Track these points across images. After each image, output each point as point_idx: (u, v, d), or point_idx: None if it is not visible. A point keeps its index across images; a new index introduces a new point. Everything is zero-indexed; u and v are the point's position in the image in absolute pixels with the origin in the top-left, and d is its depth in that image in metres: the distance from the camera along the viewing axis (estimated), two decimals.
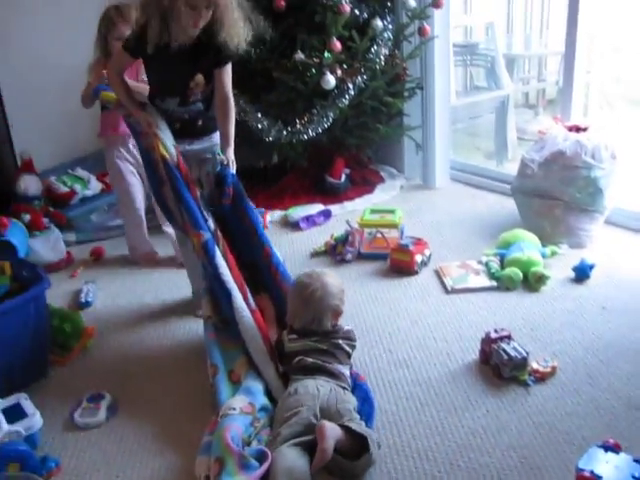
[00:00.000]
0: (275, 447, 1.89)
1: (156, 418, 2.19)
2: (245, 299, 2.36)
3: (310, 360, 2.16)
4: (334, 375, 2.13)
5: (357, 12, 3.68)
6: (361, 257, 3.22)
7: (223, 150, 2.60)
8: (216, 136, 2.69)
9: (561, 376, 2.26)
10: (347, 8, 3.53)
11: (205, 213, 2.48)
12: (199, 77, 2.55)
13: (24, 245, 3.19)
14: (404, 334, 2.59)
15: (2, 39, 3.68)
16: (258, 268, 2.57)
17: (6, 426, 2.00)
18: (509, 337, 2.33)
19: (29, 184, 3.34)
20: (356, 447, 1.88)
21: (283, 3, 3.60)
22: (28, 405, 2.13)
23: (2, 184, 3.44)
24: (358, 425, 1.94)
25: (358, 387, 2.23)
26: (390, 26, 3.74)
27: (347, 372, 2.19)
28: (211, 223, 2.47)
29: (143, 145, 2.58)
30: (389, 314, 2.74)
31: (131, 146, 3.22)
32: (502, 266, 2.96)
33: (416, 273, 3.04)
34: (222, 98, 2.58)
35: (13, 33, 3.78)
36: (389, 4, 3.84)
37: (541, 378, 2.24)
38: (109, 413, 2.23)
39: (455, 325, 2.62)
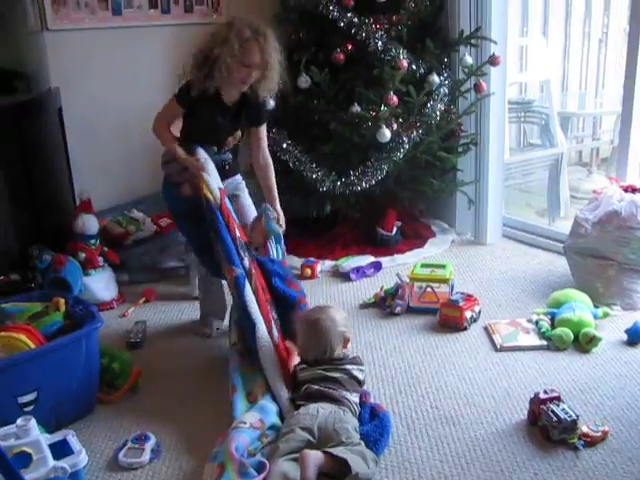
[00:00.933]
0: (273, 460, 2.02)
1: (199, 464, 2.17)
2: (269, 332, 2.55)
3: (315, 387, 2.29)
4: (336, 400, 2.23)
5: (414, 67, 3.72)
6: (410, 311, 3.20)
7: (271, 204, 2.90)
8: (239, 176, 3.00)
9: (612, 442, 2.19)
10: (405, 64, 3.58)
11: (242, 252, 2.66)
12: (238, 133, 2.85)
13: (78, 283, 3.25)
14: (451, 390, 2.55)
15: (66, 84, 3.80)
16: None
17: (52, 462, 2.01)
18: (559, 398, 2.27)
19: (87, 223, 3.40)
20: (342, 469, 1.97)
21: (342, 57, 3.67)
22: (74, 442, 2.13)
23: (61, 222, 3.52)
24: (343, 448, 2.02)
25: (376, 416, 2.32)
26: (446, 82, 3.77)
27: (354, 399, 2.29)
28: (247, 262, 2.65)
29: (182, 194, 2.78)
30: (437, 369, 2.71)
31: None
32: (553, 326, 2.91)
33: (465, 329, 3.00)
34: (263, 155, 2.93)
35: (75, 78, 3.90)
36: (446, 60, 3.88)
37: (591, 443, 2.17)
38: (153, 455, 2.23)
39: (503, 383, 2.58)
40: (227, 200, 2.72)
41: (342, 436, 2.07)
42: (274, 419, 2.28)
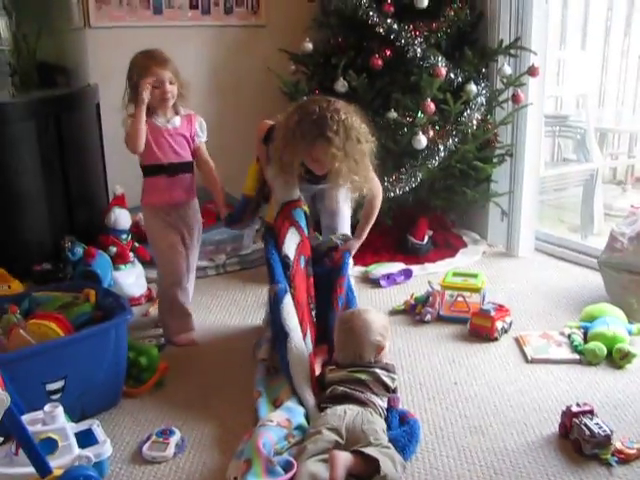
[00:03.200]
0: (301, 461, 1.98)
1: (223, 460, 2.15)
2: (304, 339, 2.55)
3: (341, 389, 2.27)
4: (362, 402, 2.20)
5: (452, 76, 3.70)
6: (440, 319, 3.16)
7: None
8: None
9: None
10: (443, 71, 3.55)
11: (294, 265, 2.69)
12: None
13: (108, 277, 3.25)
14: (481, 400, 2.51)
15: (105, 81, 3.79)
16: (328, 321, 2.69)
17: (77, 450, 2.01)
18: (592, 412, 2.22)
19: (119, 217, 3.41)
20: (371, 470, 1.94)
21: (380, 62, 3.65)
22: (100, 432, 2.13)
23: (94, 216, 3.54)
24: (374, 448, 1.98)
25: (406, 422, 2.27)
26: (484, 91, 3.75)
27: (380, 402, 2.26)
28: (291, 273, 2.66)
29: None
30: (466, 379, 2.67)
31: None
32: (586, 340, 2.86)
33: (496, 339, 2.96)
34: (371, 205, 2.93)
35: (114, 75, 3.89)
36: (484, 70, 3.86)
37: (625, 460, 2.11)
38: (177, 450, 2.21)
39: (534, 395, 2.53)
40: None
41: (370, 437, 2.04)
42: (301, 420, 2.25)
